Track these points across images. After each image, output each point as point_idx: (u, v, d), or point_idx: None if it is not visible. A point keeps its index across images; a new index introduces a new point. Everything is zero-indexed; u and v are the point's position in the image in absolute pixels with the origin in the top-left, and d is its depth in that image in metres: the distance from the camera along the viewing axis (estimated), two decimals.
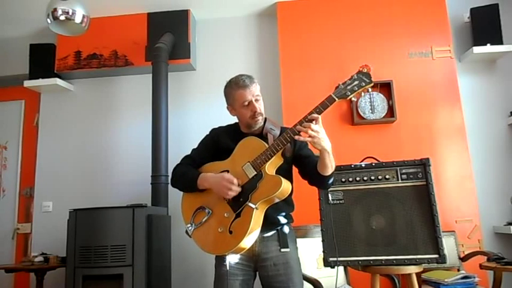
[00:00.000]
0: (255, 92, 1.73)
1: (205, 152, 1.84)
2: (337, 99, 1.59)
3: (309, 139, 1.54)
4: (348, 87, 1.61)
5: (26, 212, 3.58)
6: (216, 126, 1.91)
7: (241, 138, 1.73)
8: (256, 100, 1.73)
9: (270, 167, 1.64)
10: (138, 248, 2.54)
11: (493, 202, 3.14)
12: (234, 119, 1.87)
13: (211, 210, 1.69)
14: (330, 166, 1.63)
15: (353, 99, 3.13)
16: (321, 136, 1.53)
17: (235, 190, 1.62)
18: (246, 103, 1.72)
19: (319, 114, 1.57)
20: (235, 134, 1.79)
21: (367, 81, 1.62)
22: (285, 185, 1.60)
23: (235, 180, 1.62)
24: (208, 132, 1.90)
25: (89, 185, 3.43)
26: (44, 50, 3.53)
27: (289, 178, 1.73)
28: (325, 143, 1.56)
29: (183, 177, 1.78)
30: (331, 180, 1.71)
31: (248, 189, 1.63)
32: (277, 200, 1.65)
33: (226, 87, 1.82)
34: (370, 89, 3.14)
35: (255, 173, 1.63)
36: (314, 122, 1.54)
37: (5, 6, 3.29)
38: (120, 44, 3.52)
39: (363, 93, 3.13)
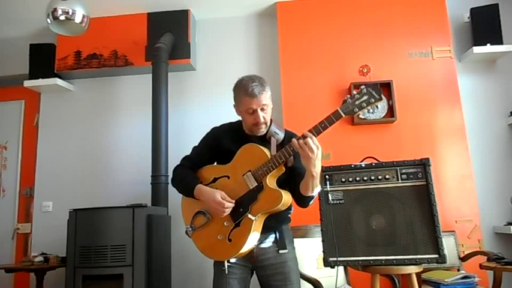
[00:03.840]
0: (262, 101, 1.66)
1: (205, 152, 1.82)
2: (344, 115, 1.56)
3: (301, 151, 1.52)
4: (356, 103, 1.57)
5: (26, 212, 3.58)
6: (218, 125, 1.88)
7: (244, 140, 1.72)
8: (262, 109, 1.67)
9: (271, 179, 1.63)
10: (138, 248, 2.54)
11: (493, 202, 3.14)
12: (235, 118, 1.87)
13: (210, 216, 1.69)
14: (310, 189, 1.61)
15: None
16: (312, 156, 1.50)
17: (229, 208, 1.62)
18: (251, 111, 1.67)
19: (325, 129, 1.54)
20: (237, 135, 1.77)
21: (377, 97, 1.56)
22: (286, 199, 1.60)
23: (226, 204, 1.62)
24: (209, 130, 1.87)
25: (89, 185, 3.43)
26: (44, 50, 3.53)
27: None
28: (314, 165, 1.53)
29: (182, 183, 1.78)
30: (309, 202, 1.70)
31: (248, 200, 1.63)
32: (280, 210, 1.65)
33: (235, 86, 1.75)
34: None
35: (256, 184, 1.62)
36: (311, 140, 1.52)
37: (5, 6, 3.29)
38: (120, 44, 3.52)
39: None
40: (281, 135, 1.71)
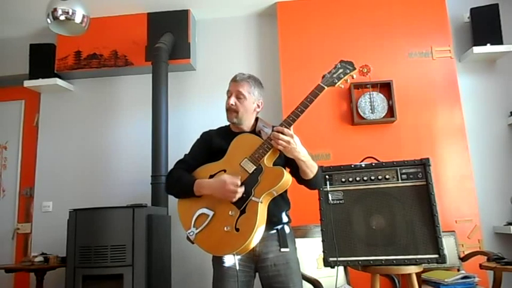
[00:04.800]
0: (239, 87, 1.77)
1: (198, 154, 1.82)
2: (325, 87, 1.67)
3: (280, 148, 1.58)
4: (334, 75, 1.69)
5: (26, 212, 3.58)
6: (207, 130, 1.92)
7: (233, 137, 1.73)
8: (238, 97, 1.77)
9: (268, 160, 1.64)
10: (138, 248, 2.54)
11: (493, 202, 3.14)
12: None
13: (213, 211, 1.66)
14: (308, 172, 1.67)
15: (352, 97, 3.14)
16: (291, 146, 1.57)
17: (240, 191, 1.60)
18: (229, 94, 1.80)
19: (310, 103, 1.63)
20: (226, 135, 1.80)
21: (351, 68, 1.70)
22: (287, 176, 1.62)
23: (238, 182, 1.60)
24: (199, 136, 1.90)
25: (89, 185, 3.43)
26: (44, 50, 3.54)
27: None
28: (298, 152, 1.59)
29: (178, 184, 1.75)
30: (316, 183, 1.75)
31: (250, 184, 1.62)
32: (278, 193, 1.64)
33: None
34: (370, 89, 3.15)
35: (255, 167, 1.63)
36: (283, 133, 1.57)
37: (5, 6, 3.29)
38: (120, 44, 3.52)
39: (363, 94, 3.15)
40: (269, 130, 1.72)
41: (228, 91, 1.81)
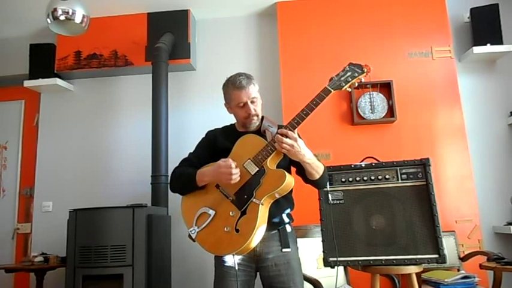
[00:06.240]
0: (251, 93, 1.74)
1: (202, 154, 1.82)
2: (332, 90, 1.65)
3: (284, 151, 1.57)
4: (342, 79, 1.67)
5: (26, 212, 3.58)
6: (212, 129, 1.91)
7: (238, 137, 1.73)
8: (252, 102, 1.75)
9: (272, 162, 1.63)
10: (138, 248, 2.54)
11: (493, 202, 3.14)
12: (232, 119, 1.88)
13: (214, 210, 1.66)
14: (314, 173, 1.66)
15: (352, 97, 3.14)
16: (295, 150, 1.56)
17: (235, 172, 1.60)
18: (242, 104, 1.74)
19: (316, 106, 1.63)
20: (231, 134, 1.79)
21: (359, 71, 1.68)
22: (289, 179, 1.61)
23: (233, 164, 1.60)
24: (204, 135, 1.90)
25: (89, 185, 3.43)
26: (44, 50, 3.54)
27: None
28: (302, 155, 1.58)
29: (181, 178, 1.76)
30: (323, 183, 1.74)
31: (252, 186, 1.62)
32: (280, 195, 1.64)
33: (224, 85, 1.84)
34: (370, 89, 3.15)
35: (257, 169, 1.62)
36: (288, 136, 1.56)
37: (5, 6, 3.29)
38: (120, 44, 3.52)
39: (363, 94, 3.15)
40: (274, 129, 1.71)
41: (240, 102, 1.73)
